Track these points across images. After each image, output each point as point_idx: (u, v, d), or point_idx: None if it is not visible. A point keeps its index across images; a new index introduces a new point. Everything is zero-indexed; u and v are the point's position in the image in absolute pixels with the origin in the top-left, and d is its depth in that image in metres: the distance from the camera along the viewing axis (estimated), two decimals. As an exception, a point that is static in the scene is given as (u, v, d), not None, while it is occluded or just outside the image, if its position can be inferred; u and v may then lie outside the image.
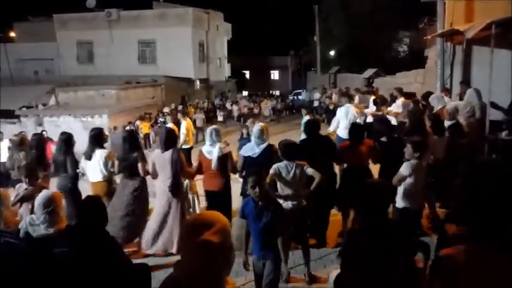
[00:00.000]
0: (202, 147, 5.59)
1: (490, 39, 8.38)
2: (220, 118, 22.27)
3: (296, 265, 4.68)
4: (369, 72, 21.94)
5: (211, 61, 30.07)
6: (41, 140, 6.52)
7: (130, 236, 5.59)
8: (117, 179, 6.08)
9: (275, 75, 51.11)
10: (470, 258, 2.13)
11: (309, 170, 4.39)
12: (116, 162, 5.72)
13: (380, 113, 10.25)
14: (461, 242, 2.25)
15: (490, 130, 8.75)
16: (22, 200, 4.92)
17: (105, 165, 5.69)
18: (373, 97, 12.37)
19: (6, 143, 9.96)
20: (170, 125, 11.00)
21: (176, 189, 5.38)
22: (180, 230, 4.93)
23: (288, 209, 4.29)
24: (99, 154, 5.69)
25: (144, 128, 16.49)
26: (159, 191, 5.46)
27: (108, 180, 5.79)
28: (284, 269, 3.74)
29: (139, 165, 5.52)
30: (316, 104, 22.04)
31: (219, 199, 5.32)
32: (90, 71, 26.13)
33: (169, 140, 5.48)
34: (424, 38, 14.42)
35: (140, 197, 5.59)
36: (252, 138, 5.31)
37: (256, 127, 5.36)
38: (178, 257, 1.76)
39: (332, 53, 31.88)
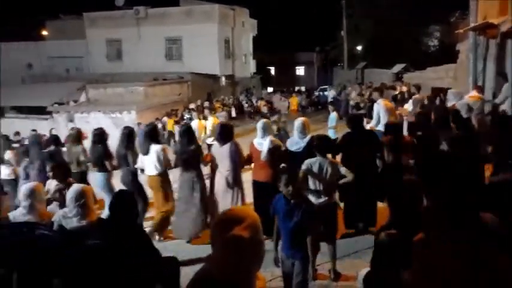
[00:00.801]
0: (254, 140, 5.73)
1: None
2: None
3: (322, 262, 4.64)
4: (398, 67, 21.57)
5: (237, 57, 30.15)
6: (103, 134, 6.59)
7: (196, 230, 5.78)
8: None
9: (300, 71, 50.75)
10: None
11: (342, 169, 4.37)
12: (174, 156, 5.85)
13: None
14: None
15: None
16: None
17: (160, 159, 5.80)
18: (395, 92, 12.18)
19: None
20: (196, 121, 11.22)
21: (235, 181, 5.53)
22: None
23: (318, 205, 4.27)
24: (155, 149, 5.81)
25: (169, 124, 16.67)
26: (216, 181, 5.60)
27: (163, 174, 5.91)
28: (310, 267, 3.72)
29: (198, 156, 5.71)
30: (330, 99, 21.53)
31: (267, 190, 5.24)
32: (119, 68, 26.61)
33: (226, 134, 5.58)
34: (456, 32, 14.03)
35: (200, 190, 5.78)
36: (295, 133, 5.43)
37: (297, 122, 5.47)
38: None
39: (359, 48, 31.45)
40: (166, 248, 5.44)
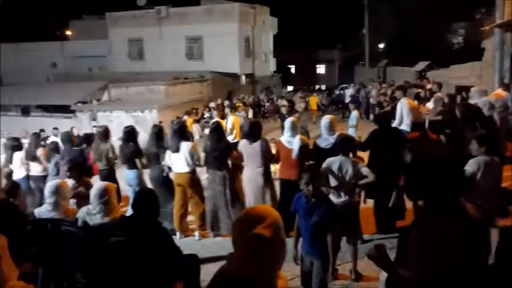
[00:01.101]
0: (281, 138, 5.79)
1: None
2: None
3: (343, 262, 4.61)
4: (421, 65, 21.17)
5: (257, 56, 30.14)
6: (134, 132, 6.65)
7: (229, 225, 5.82)
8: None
9: (321, 69, 50.45)
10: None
11: (364, 169, 4.32)
12: (202, 154, 5.89)
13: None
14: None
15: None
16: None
17: (191, 157, 5.87)
18: (417, 91, 11.95)
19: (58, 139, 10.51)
20: (216, 119, 11.23)
21: (267, 177, 5.61)
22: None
23: (339, 204, 4.24)
24: (185, 146, 5.86)
25: (188, 123, 16.67)
26: (247, 179, 5.66)
27: (193, 172, 5.98)
28: (331, 267, 3.70)
29: (230, 154, 5.75)
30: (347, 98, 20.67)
31: (297, 188, 5.33)
32: (140, 67, 26.92)
33: (256, 131, 5.65)
34: (482, 29, 13.70)
35: (231, 187, 5.86)
36: (323, 130, 5.47)
37: (325, 120, 5.53)
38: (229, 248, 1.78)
39: (381, 45, 31.03)
40: (186, 244, 5.47)
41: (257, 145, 5.51)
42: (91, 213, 3.81)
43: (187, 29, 26.84)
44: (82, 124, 17.59)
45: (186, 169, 5.89)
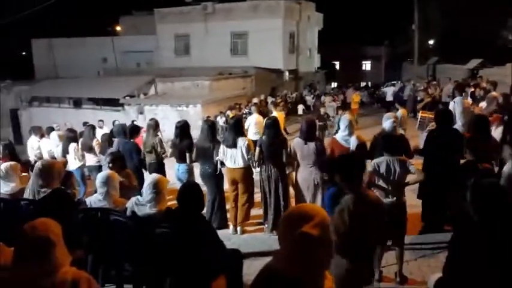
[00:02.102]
0: (336, 135, 5.71)
1: None
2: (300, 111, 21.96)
3: (388, 264, 4.50)
4: (473, 62, 20.24)
5: (301, 52, 29.90)
6: (186, 127, 6.63)
7: None
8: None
9: (367, 66, 49.33)
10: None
11: (412, 167, 4.19)
12: (257, 149, 5.86)
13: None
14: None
15: None
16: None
17: (247, 152, 5.87)
18: (471, 89, 11.43)
19: (103, 131, 10.80)
20: (255, 115, 11.06)
21: (322, 178, 5.53)
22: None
23: (387, 204, 4.14)
24: (242, 141, 5.89)
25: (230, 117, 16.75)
26: (301, 178, 5.59)
27: (247, 167, 5.99)
28: (376, 268, 3.62)
29: (284, 151, 5.69)
30: (389, 98, 19.93)
31: None
32: (186, 62, 27.38)
33: (312, 131, 5.63)
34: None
35: (285, 183, 5.82)
36: (389, 130, 5.48)
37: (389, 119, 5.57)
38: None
39: (431, 42, 29.92)
40: (226, 238, 5.51)
41: (312, 145, 5.46)
42: (140, 204, 3.94)
43: (233, 24, 26.99)
44: (129, 117, 18.15)
45: (242, 164, 5.91)
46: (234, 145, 5.86)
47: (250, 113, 13.46)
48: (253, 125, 10.25)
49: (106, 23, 32.36)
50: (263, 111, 18.02)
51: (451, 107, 7.72)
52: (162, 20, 28.94)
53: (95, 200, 4.12)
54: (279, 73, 27.76)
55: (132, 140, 6.99)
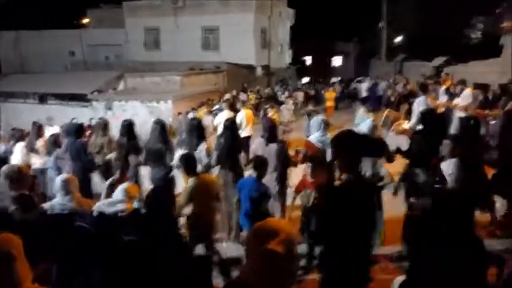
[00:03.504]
0: (310, 137, 5.40)
1: None
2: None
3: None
4: (438, 60, 20.80)
5: (273, 47, 29.96)
6: (132, 126, 6.21)
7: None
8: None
9: (337, 61, 49.94)
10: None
11: (383, 170, 4.26)
12: (215, 153, 5.56)
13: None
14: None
15: None
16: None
17: (206, 157, 5.52)
18: (444, 87, 11.69)
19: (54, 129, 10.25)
20: (226, 111, 10.88)
21: (283, 184, 5.29)
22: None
23: None
24: (202, 146, 5.54)
25: (200, 114, 16.40)
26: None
27: (207, 173, 5.54)
28: None
29: (241, 155, 5.50)
30: (364, 93, 19.77)
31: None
32: (156, 56, 27.02)
33: (274, 131, 5.37)
34: (501, 25, 13.41)
35: None
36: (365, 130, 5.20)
37: (369, 121, 5.31)
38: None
39: (398, 39, 30.52)
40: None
41: (274, 147, 5.18)
42: (109, 204, 3.88)
43: (204, 19, 26.78)
44: (97, 113, 17.77)
45: (201, 170, 5.40)
46: (194, 150, 5.48)
47: (221, 110, 13.40)
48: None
49: (73, 16, 31.49)
50: (235, 108, 18.11)
51: (414, 106, 7.89)
52: (131, 14, 28.40)
53: (56, 204, 3.98)
54: (251, 69, 27.76)
55: (79, 140, 6.50)
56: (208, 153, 5.54)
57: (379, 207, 4.39)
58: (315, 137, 5.19)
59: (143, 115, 17.21)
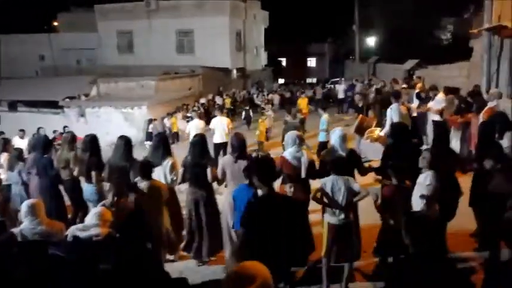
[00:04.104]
0: (284, 153, 5.13)
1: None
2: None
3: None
4: (410, 63, 21.20)
5: (248, 50, 30.01)
6: (94, 141, 5.98)
7: (212, 248, 5.29)
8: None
9: (312, 62, 50.42)
10: None
11: (356, 186, 4.29)
12: (181, 169, 5.32)
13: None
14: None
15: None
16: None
17: (170, 173, 5.30)
18: (416, 90, 11.93)
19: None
20: (197, 120, 11.15)
21: None
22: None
23: (335, 224, 4.27)
24: (166, 161, 5.33)
25: (173, 124, 16.08)
26: (227, 202, 4.91)
27: (171, 189, 5.37)
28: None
29: (209, 171, 5.15)
30: (342, 94, 20.09)
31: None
32: (130, 60, 26.66)
33: (243, 147, 5.09)
34: (470, 31, 13.81)
35: (213, 207, 5.33)
36: (336, 142, 5.05)
37: (338, 131, 5.09)
38: None
39: (372, 41, 30.99)
40: (177, 269, 5.16)
41: (243, 163, 4.88)
42: (82, 229, 3.81)
43: (178, 22, 26.59)
44: (70, 120, 17.44)
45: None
46: (159, 164, 5.27)
47: (192, 118, 13.34)
48: (194, 129, 10.24)
49: (43, 20, 30.79)
50: (210, 112, 17.97)
51: (388, 114, 7.98)
52: (103, 17, 27.94)
53: (26, 229, 3.87)
54: (227, 72, 27.72)
55: (45, 156, 6.26)
56: (173, 169, 5.32)
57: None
58: (289, 153, 4.96)
59: (117, 121, 17.00)
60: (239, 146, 5.03)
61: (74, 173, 6.15)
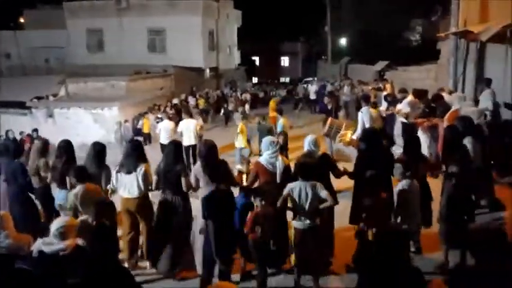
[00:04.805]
0: (260, 158, 5.13)
1: (505, 37, 8.24)
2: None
3: None
4: (381, 64, 21.59)
5: (221, 49, 29.93)
6: (69, 147, 5.85)
7: (186, 260, 5.16)
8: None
9: (285, 61, 50.70)
10: None
11: (323, 193, 4.33)
12: (154, 177, 5.25)
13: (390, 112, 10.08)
14: None
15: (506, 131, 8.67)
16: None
17: (144, 180, 5.19)
18: (384, 93, 12.16)
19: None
20: (166, 121, 11.17)
21: None
22: None
23: (300, 228, 4.34)
24: (139, 168, 5.19)
25: (145, 125, 15.72)
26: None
27: (145, 196, 5.33)
28: None
29: (183, 179, 5.08)
30: (313, 95, 20.07)
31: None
32: (100, 59, 26.13)
33: (213, 154, 5.04)
34: (437, 35, 14.18)
35: (186, 216, 5.21)
36: (308, 147, 5.10)
37: (310, 137, 5.16)
38: None
39: (344, 41, 31.37)
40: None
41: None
42: (47, 243, 3.72)
43: (149, 20, 26.21)
44: (38, 121, 16.95)
45: (136, 194, 5.18)
46: (131, 171, 5.17)
47: (162, 119, 13.26)
48: (164, 130, 10.46)
49: (8, 16, 29.78)
50: (184, 112, 17.70)
51: (359, 117, 8.11)
52: (72, 15, 27.31)
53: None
54: (200, 71, 27.54)
55: (16, 160, 6.06)
56: (146, 177, 5.23)
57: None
58: (264, 158, 4.98)
59: (87, 123, 16.62)
60: (207, 153, 5.01)
61: (47, 180, 5.99)
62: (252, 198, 4.55)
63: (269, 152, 4.96)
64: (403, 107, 9.59)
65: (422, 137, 8.09)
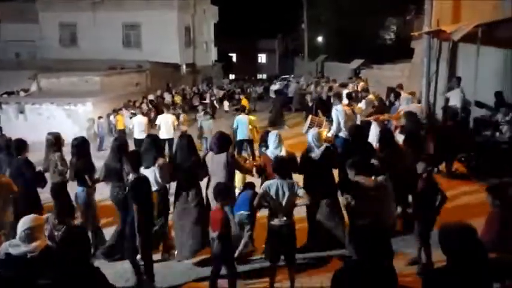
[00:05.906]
0: (267, 151, 5.62)
1: (476, 37, 8.44)
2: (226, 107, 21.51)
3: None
4: (356, 62, 21.84)
5: (198, 45, 29.71)
6: (84, 144, 5.89)
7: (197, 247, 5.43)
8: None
9: (262, 58, 50.77)
10: None
11: (300, 191, 4.40)
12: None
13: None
14: None
15: (475, 129, 8.94)
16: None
17: (161, 174, 5.34)
18: (345, 90, 12.41)
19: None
20: (140, 116, 11.69)
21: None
22: None
23: (276, 225, 4.37)
24: (158, 162, 5.36)
25: (119, 121, 15.29)
26: (210, 196, 5.10)
27: (161, 190, 5.47)
28: None
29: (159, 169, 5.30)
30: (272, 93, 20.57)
31: None
32: (74, 54, 25.58)
33: (224, 142, 5.32)
34: (411, 34, 14.41)
35: (200, 205, 5.45)
36: (312, 142, 5.41)
37: (313, 132, 5.61)
38: None
39: (320, 39, 31.57)
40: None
41: (223, 157, 5.17)
42: (14, 244, 3.61)
43: (124, 15, 25.87)
44: (9, 117, 16.46)
45: (155, 187, 5.31)
46: (150, 166, 5.35)
47: (135, 114, 13.35)
48: (137, 125, 10.93)
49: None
50: (160, 109, 17.55)
51: (333, 115, 8.20)
52: (45, 8, 26.70)
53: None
54: (176, 67, 27.28)
55: (20, 157, 5.84)
56: (163, 170, 5.42)
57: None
58: (270, 151, 5.53)
59: (60, 119, 16.24)
60: (219, 140, 5.30)
61: (67, 176, 5.99)
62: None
63: (273, 145, 5.51)
64: (362, 104, 10.09)
65: (376, 129, 8.42)
